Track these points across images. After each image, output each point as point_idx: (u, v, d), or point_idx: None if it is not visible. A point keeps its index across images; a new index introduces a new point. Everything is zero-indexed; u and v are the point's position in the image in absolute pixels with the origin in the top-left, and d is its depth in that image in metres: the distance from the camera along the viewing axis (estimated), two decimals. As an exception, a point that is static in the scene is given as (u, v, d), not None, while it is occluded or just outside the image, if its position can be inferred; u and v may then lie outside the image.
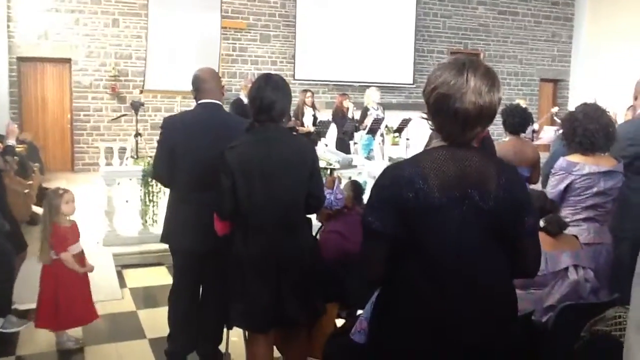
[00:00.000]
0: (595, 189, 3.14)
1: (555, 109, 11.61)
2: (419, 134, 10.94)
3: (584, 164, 3.14)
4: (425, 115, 1.76)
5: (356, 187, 3.87)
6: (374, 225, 1.69)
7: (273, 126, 2.77)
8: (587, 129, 3.13)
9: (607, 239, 3.22)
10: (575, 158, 3.18)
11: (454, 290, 1.65)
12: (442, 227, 1.64)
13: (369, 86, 10.47)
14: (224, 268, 2.80)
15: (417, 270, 1.68)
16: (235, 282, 2.74)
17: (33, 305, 3.82)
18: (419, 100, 10.87)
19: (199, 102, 3.29)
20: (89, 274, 3.91)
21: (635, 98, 3.57)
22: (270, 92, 2.73)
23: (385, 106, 10.54)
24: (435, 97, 1.67)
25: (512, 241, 1.72)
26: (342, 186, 4.05)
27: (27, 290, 4.02)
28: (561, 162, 3.20)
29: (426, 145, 4.14)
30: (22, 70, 10.92)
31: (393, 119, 10.03)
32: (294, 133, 8.49)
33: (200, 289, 3.40)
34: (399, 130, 9.66)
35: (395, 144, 10.27)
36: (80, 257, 3.81)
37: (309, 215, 2.98)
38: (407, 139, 9.41)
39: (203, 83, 3.27)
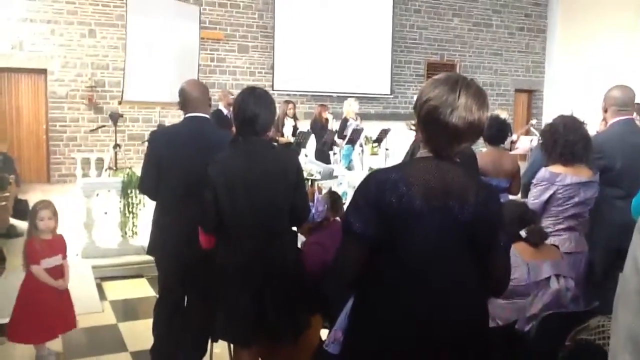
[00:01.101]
0: (576, 199, 3.21)
1: (533, 121, 11.81)
2: (398, 144, 11.06)
3: (565, 175, 3.21)
4: (414, 127, 1.82)
5: (335, 199, 3.89)
6: (354, 227, 1.74)
7: (256, 139, 2.79)
8: (568, 140, 3.20)
9: (585, 247, 3.30)
10: (557, 169, 3.25)
11: (428, 295, 1.72)
12: (420, 233, 1.70)
13: (347, 97, 10.53)
14: (208, 279, 2.81)
15: (393, 274, 1.75)
16: (218, 292, 2.75)
17: (10, 320, 3.77)
18: (397, 111, 11.00)
19: (186, 115, 3.31)
20: (70, 286, 3.88)
21: (605, 111, 3.64)
22: (254, 106, 2.75)
23: (363, 116, 10.61)
24: (427, 110, 1.73)
25: (483, 255, 1.79)
26: (320, 197, 4.07)
27: (7, 304, 3.96)
28: (543, 172, 3.27)
29: (406, 156, 4.19)
30: (-4, 80, 10.77)
31: (371, 129, 10.10)
32: (275, 144, 8.52)
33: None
34: (379, 140, 9.72)
35: (374, 153, 10.32)
36: (59, 270, 3.76)
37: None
38: (387, 149, 9.47)
39: (190, 96, 3.29)
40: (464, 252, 1.75)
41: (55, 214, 3.74)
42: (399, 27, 13.79)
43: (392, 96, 13.76)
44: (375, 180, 1.76)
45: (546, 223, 3.20)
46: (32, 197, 9.43)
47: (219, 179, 2.68)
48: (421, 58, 14.24)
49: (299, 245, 3.21)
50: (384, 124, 10.63)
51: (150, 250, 3.34)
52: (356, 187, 1.83)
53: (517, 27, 15.37)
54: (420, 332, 1.72)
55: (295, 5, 12.62)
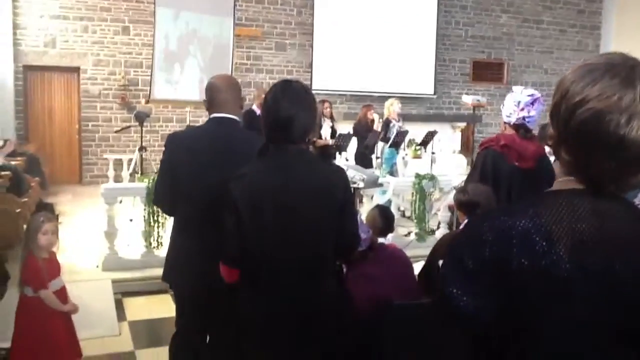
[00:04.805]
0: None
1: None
2: (443, 147, 10.41)
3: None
4: (549, 142, 1.19)
5: (385, 216, 3.32)
6: (462, 305, 1.10)
7: (292, 148, 2.17)
8: None
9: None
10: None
11: None
12: (570, 314, 1.06)
13: (388, 97, 9.94)
14: (231, 323, 2.24)
15: None
16: (241, 348, 2.17)
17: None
18: (440, 112, 10.34)
19: (211, 116, 2.73)
20: (85, 305, 3.42)
21: None
22: (289, 104, 2.13)
23: (405, 117, 10.00)
24: (583, 117, 1.07)
25: None
26: (364, 217, 3.48)
27: (8, 326, 3.50)
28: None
29: (473, 171, 3.54)
30: (29, 79, 10.50)
31: (413, 131, 9.49)
32: (311, 147, 7.97)
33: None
34: (424, 143, 9.08)
35: (416, 157, 9.71)
36: (64, 293, 3.29)
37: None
38: (433, 153, 8.82)
39: (218, 93, 2.70)
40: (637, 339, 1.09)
41: (57, 229, 3.26)
42: (443, 24, 13.10)
43: (435, 96, 13.08)
44: (494, 229, 1.10)
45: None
46: (62, 199, 9.15)
47: (244, 200, 2.08)
48: (467, 56, 13.51)
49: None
50: (427, 126, 10.00)
51: (165, 276, 2.79)
52: (461, 233, 1.21)
53: (569, 24, 14.49)
54: None
55: (335, 1, 12.07)
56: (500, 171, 3.25)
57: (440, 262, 2.53)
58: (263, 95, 5.91)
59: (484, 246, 1.09)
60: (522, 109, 3.24)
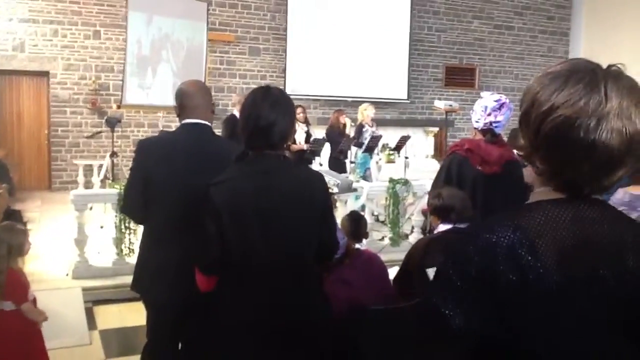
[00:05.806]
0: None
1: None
2: (416, 152, 10.48)
3: (649, 198, 2.60)
4: (521, 152, 1.19)
5: (353, 219, 3.34)
6: (452, 321, 1.09)
7: (271, 155, 2.17)
8: None
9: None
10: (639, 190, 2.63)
11: None
12: (557, 324, 1.05)
13: (362, 102, 9.97)
14: (206, 334, 2.21)
15: None
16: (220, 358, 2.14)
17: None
18: (414, 116, 10.38)
19: (183, 122, 2.69)
20: (54, 314, 3.34)
21: None
22: (269, 110, 2.12)
23: (379, 122, 10.05)
24: (553, 125, 1.07)
25: None
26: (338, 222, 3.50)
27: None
28: (622, 195, 2.65)
29: (439, 175, 3.53)
30: (-3, 83, 10.32)
31: (387, 135, 9.54)
32: (287, 152, 7.94)
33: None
34: (398, 148, 9.12)
35: (390, 161, 9.74)
36: (34, 303, 3.22)
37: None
38: (406, 158, 8.87)
39: (188, 99, 2.67)
40: (627, 343, 1.09)
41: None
42: (416, 30, 13.22)
43: (408, 101, 13.18)
44: (479, 246, 1.09)
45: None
46: (30, 206, 8.97)
47: (225, 206, 2.06)
48: (440, 62, 13.65)
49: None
50: (400, 130, 10.08)
51: (134, 285, 2.74)
52: (448, 250, 1.19)
53: (539, 30, 14.75)
54: None
55: (309, 7, 12.09)
56: (464, 175, 3.27)
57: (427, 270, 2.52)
58: (243, 101, 5.78)
59: (471, 263, 1.09)
60: (489, 114, 3.27)
